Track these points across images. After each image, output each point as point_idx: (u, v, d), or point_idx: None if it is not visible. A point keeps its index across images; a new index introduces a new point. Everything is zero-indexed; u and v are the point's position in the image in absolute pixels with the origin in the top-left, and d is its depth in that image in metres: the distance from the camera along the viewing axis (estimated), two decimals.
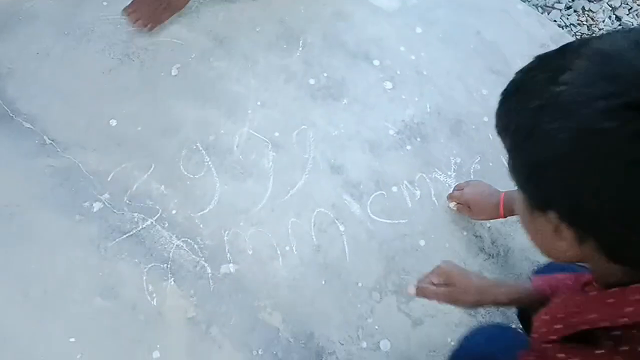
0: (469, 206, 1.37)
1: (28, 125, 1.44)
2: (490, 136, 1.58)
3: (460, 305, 1.09)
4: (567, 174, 0.53)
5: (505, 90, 0.62)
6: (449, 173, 1.52)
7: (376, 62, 1.66)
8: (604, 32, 0.51)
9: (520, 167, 0.61)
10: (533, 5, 2.03)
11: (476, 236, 1.45)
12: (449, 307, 1.34)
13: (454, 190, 1.44)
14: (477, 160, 1.54)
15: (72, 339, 1.23)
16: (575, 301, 0.65)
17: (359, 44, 1.68)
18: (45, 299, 1.26)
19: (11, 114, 1.44)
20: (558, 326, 0.66)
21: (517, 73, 0.62)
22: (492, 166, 1.54)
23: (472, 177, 1.52)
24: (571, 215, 0.55)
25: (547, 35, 1.79)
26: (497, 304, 1.04)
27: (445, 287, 1.05)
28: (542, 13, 2.01)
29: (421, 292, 1.08)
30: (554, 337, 0.67)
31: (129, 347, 1.24)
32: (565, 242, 0.58)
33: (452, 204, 1.44)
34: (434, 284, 1.06)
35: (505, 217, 1.27)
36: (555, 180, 0.54)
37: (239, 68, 1.60)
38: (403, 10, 1.77)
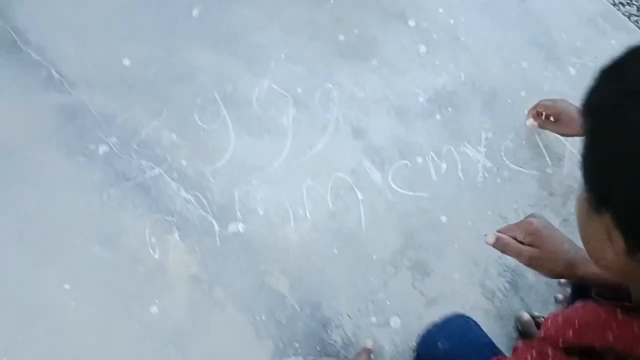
0: (559, 118, 1.33)
1: (36, 57, 1.36)
2: (526, 112, 1.49)
3: (540, 272, 0.93)
4: (636, 174, 0.46)
5: (607, 66, 0.53)
6: (479, 148, 1.44)
7: (412, 23, 1.56)
8: None
9: (593, 152, 0.53)
10: None
11: (502, 217, 1.38)
12: (466, 288, 1.31)
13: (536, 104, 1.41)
14: (510, 137, 1.46)
15: (67, 286, 1.18)
16: (599, 315, 0.59)
17: (395, 1, 1.59)
18: (41, 242, 1.21)
19: (20, 44, 1.37)
20: (569, 333, 0.61)
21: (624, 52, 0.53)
22: (524, 145, 1.46)
23: (502, 154, 1.44)
24: (627, 222, 0.49)
25: (596, 11, 1.68)
26: (583, 280, 0.89)
27: (530, 247, 0.91)
28: None
29: (500, 244, 0.93)
30: (560, 344, 0.61)
31: (126, 299, 1.19)
32: (613, 251, 0.52)
33: (530, 121, 1.42)
34: (517, 240, 0.92)
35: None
36: (622, 177, 0.48)
37: (264, 16, 1.51)
38: None
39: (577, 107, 1.23)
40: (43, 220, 1.23)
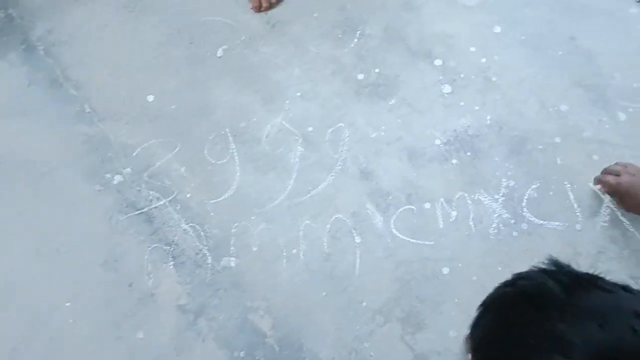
0: (622, 198, 1.39)
1: (74, 92, 1.67)
2: (559, 161, 1.50)
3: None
4: None
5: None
6: (496, 197, 1.47)
7: (438, 62, 1.65)
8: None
9: None
10: None
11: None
12: (459, 346, 1.34)
13: (602, 172, 1.45)
14: (534, 187, 1.48)
15: (68, 304, 1.43)
16: None
17: (423, 39, 1.69)
18: (53, 259, 1.48)
19: (61, 80, 1.69)
20: None
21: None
22: (552, 195, 1.46)
23: (524, 205, 1.46)
24: None
25: None
26: None
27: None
28: None
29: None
30: None
31: (117, 322, 1.41)
32: None
33: (598, 187, 1.46)
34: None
35: None
36: None
37: (286, 55, 1.69)
38: (484, 5, 1.74)
39: None
40: (57, 239, 1.51)
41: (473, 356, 0.62)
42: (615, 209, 1.44)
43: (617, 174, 1.39)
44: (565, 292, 0.57)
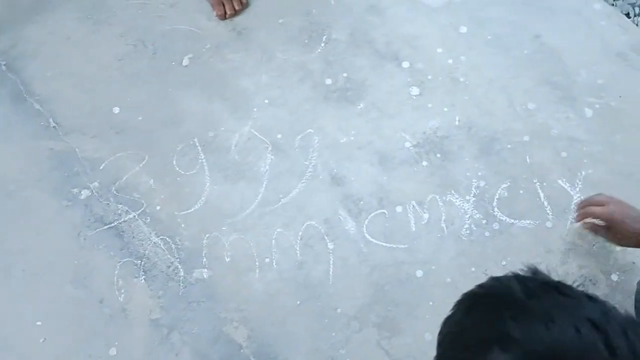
0: (610, 227, 1.31)
1: (38, 107, 1.66)
2: (528, 159, 1.52)
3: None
4: None
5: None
6: (467, 197, 1.49)
7: (405, 64, 1.67)
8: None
9: None
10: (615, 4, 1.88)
11: (487, 275, 1.41)
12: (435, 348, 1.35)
13: (581, 202, 1.40)
14: (504, 186, 1.50)
15: (39, 322, 1.42)
16: None
17: (389, 42, 1.71)
18: (22, 278, 1.46)
19: (25, 94, 1.67)
20: None
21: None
22: (522, 194, 1.49)
23: (495, 204, 1.48)
24: None
25: (627, 44, 1.67)
26: None
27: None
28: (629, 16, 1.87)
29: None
30: None
31: (89, 339, 1.40)
32: None
33: (578, 224, 1.42)
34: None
35: None
36: None
37: (253, 62, 1.70)
38: (449, 6, 1.76)
39: (632, 209, 1.26)
40: (27, 258, 1.49)
41: (437, 352, 0.65)
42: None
43: (602, 205, 1.32)
44: (526, 296, 0.59)
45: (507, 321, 0.56)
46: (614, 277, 1.38)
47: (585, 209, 1.37)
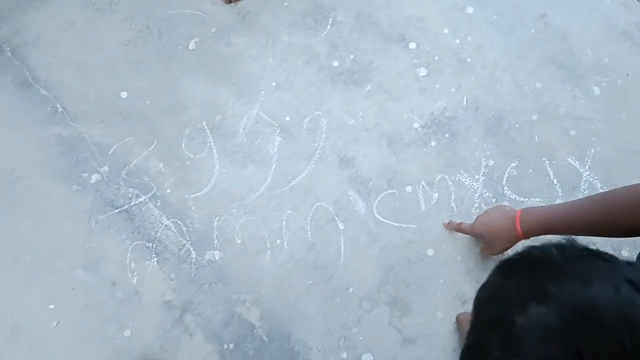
0: (483, 239, 1.37)
1: (44, 93, 1.66)
2: (536, 138, 1.54)
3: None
4: None
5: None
6: (477, 177, 1.50)
7: (412, 46, 1.68)
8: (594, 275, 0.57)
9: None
10: None
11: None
12: (450, 329, 1.37)
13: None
14: (513, 165, 1.51)
15: (52, 306, 1.43)
16: None
17: (395, 24, 1.71)
18: (33, 264, 1.47)
19: (31, 80, 1.68)
20: None
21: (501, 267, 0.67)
22: (531, 173, 1.50)
23: (504, 183, 1.49)
24: None
25: (632, 22, 1.68)
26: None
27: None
28: None
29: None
30: None
31: (103, 322, 1.41)
32: None
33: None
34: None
35: (526, 237, 1.23)
36: None
37: (259, 46, 1.70)
38: None
39: (499, 211, 1.31)
40: (36, 244, 1.50)
41: (472, 315, 0.65)
42: (594, 181, 1.49)
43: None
44: (564, 260, 0.60)
45: (545, 281, 0.56)
46: (624, 253, 1.40)
47: (458, 226, 1.43)
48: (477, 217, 1.35)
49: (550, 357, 0.51)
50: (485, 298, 0.65)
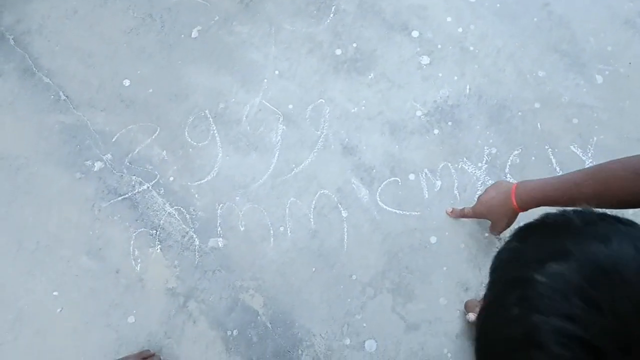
0: (486, 218, 1.37)
1: (47, 80, 1.65)
2: (539, 126, 1.54)
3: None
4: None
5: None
6: (480, 164, 1.51)
7: (415, 34, 1.67)
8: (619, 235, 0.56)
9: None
10: None
11: (499, 239, 1.43)
12: (453, 315, 1.38)
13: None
14: (516, 153, 1.51)
15: (55, 293, 1.43)
16: None
17: (398, 12, 1.71)
18: (36, 251, 1.47)
19: (34, 68, 1.67)
20: None
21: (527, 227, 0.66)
22: (534, 161, 1.50)
23: (507, 171, 1.49)
24: None
25: (635, 11, 1.68)
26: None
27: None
28: None
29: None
30: None
31: (107, 309, 1.41)
32: None
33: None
34: None
35: (523, 210, 1.23)
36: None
37: (261, 34, 1.70)
38: None
39: (496, 187, 1.31)
40: (40, 231, 1.50)
41: (489, 279, 0.65)
42: None
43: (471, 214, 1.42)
44: (583, 223, 0.60)
45: (564, 241, 0.56)
46: None
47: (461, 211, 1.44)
48: (479, 197, 1.35)
49: (570, 311, 0.51)
50: (504, 260, 0.64)
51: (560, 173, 1.48)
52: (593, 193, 1.04)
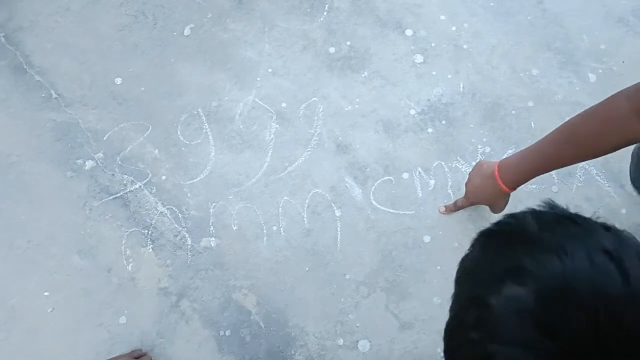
0: (481, 204, 1.36)
1: (38, 78, 1.64)
2: (533, 124, 1.53)
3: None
4: None
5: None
6: (473, 163, 1.50)
7: (409, 32, 1.67)
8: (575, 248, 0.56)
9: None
10: None
11: None
12: (447, 314, 1.37)
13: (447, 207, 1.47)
14: (510, 151, 1.51)
15: (46, 293, 1.41)
16: None
17: (392, 10, 1.70)
18: (27, 250, 1.46)
19: (25, 66, 1.65)
20: None
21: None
22: None
23: None
24: None
25: (628, 8, 1.68)
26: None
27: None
28: None
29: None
30: None
31: (98, 309, 1.40)
32: None
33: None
34: None
35: (514, 189, 1.21)
36: None
37: (255, 31, 1.68)
38: None
39: (479, 167, 1.30)
40: (31, 230, 1.48)
41: (454, 290, 0.65)
42: (590, 168, 1.49)
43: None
44: (540, 229, 0.59)
45: (520, 255, 0.55)
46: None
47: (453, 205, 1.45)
48: (466, 184, 1.34)
49: (524, 338, 0.51)
50: (464, 273, 0.64)
51: (554, 172, 1.48)
52: (570, 150, 1.08)
